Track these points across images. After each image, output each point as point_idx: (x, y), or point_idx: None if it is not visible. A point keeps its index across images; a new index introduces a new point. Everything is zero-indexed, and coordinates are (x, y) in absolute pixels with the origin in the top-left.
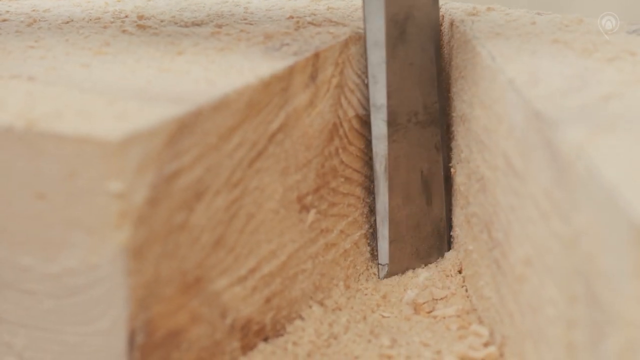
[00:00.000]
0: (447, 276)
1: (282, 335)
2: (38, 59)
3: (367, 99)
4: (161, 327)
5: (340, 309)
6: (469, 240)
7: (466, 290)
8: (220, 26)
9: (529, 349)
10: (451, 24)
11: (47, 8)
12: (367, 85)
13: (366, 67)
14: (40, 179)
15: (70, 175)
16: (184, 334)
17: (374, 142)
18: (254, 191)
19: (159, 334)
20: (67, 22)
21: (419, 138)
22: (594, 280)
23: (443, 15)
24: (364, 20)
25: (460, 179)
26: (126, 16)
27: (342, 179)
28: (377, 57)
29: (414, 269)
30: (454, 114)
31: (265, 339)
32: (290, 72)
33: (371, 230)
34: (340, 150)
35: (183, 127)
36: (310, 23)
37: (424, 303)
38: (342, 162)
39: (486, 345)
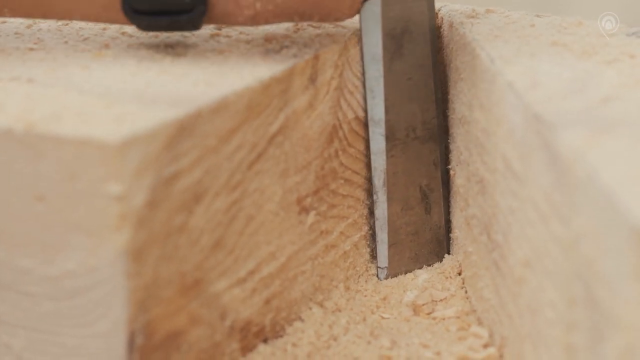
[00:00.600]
0: (447, 278)
1: (281, 336)
2: (37, 61)
3: (367, 101)
4: (161, 329)
5: (339, 311)
6: (468, 242)
7: (466, 292)
8: (219, 28)
9: (528, 351)
10: (450, 26)
11: None
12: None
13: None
14: (40, 181)
15: (69, 177)
16: (184, 336)
17: (372, 157)
18: (253, 193)
19: (158, 336)
20: (67, 24)
21: (417, 154)
22: (594, 283)
23: (442, 18)
24: (361, 34)
25: (459, 181)
26: None
27: (342, 181)
28: (375, 72)
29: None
30: (453, 117)
31: (265, 341)
32: (289, 74)
33: (371, 232)
34: (339, 152)
35: (182, 130)
36: (309, 25)
37: (423, 304)
38: (341, 164)
39: (486, 346)
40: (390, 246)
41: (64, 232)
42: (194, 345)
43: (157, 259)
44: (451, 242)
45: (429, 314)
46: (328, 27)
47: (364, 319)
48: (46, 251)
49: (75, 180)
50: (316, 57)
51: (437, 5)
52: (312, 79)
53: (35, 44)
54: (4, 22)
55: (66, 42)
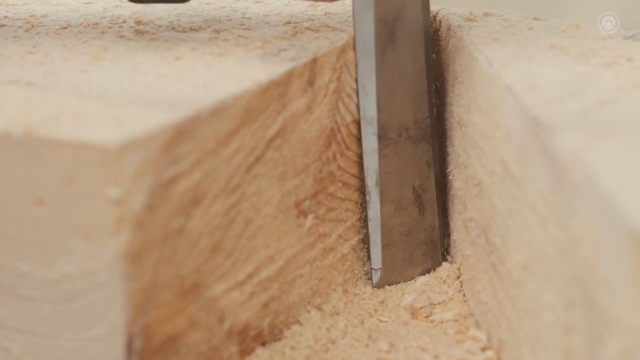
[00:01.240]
0: (445, 281)
1: (279, 340)
2: (36, 64)
3: (359, 99)
4: (159, 332)
5: (338, 314)
6: (466, 245)
7: (464, 295)
8: (218, 31)
9: (527, 354)
10: (448, 29)
11: (45, 13)
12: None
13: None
14: (38, 184)
15: (68, 180)
16: (182, 339)
17: (364, 156)
18: (251, 196)
19: (156, 339)
20: (65, 28)
21: (410, 154)
22: (592, 286)
23: (440, 21)
24: (353, 22)
25: (457, 184)
26: (124, 21)
27: (340, 184)
28: (367, 65)
29: (408, 278)
30: (451, 119)
31: (263, 344)
32: (288, 77)
33: (369, 235)
34: (337, 156)
35: (181, 133)
36: (307, 28)
37: (421, 308)
38: (339, 167)
39: (484, 349)
40: (383, 247)
41: (62, 235)
42: (192, 348)
43: (156, 262)
44: (449, 245)
45: (427, 317)
46: (326, 30)
47: (362, 322)
48: (45, 254)
49: (73, 184)
50: (314, 61)
51: (434, 8)
52: (310, 82)
53: (34, 47)
54: (3, 25)
55: (65, 46)
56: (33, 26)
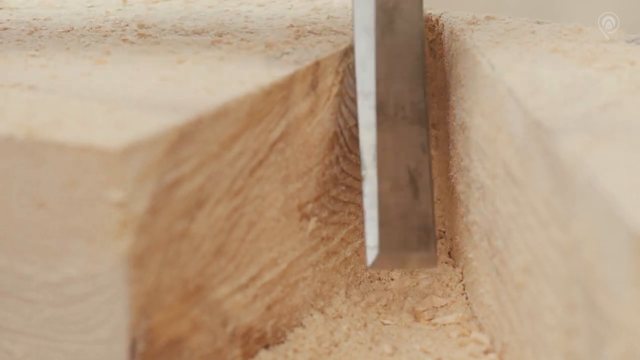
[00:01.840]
0: (447, 284)
1: (283, 342)
2: (39, 67)
3: (357, 75)
4: (162, 335)
5: (341, 317)
6: (469, 249)
7: (466, 298)
8: (220, 35)
9: (529, 357)
10: (451, 33)
11: (48, 17)
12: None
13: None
14: (41, 187)
15: (70, 184)
16: (185, 342)
17: (361, 130)
18: (255, 200)
19: (160, 343)
20: (68, 31)
21: (406, 134)
22: (593, 289)
23: (443, 25)
24: (353, 7)
25: (460, 187)
26: (127, 25)
27: (343, 187)
28: (366, 44)
29: (402, 265)
30: (453, 123)
31: (266, 347)
32: (290, 80)
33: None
34: (340, 159)
35: (184, 136)
36: (310, 32)
37: (424, 311)
38: (342, 170)
39: (487, 352)
40: (380, 225)
41: (65, 238)
42: (195, 351)
43: (159, 265)
44: (451, 248)
45: (429, 320)
46: (329, 33)
47: (365, 325)
48: (47, 258)
49: (76, 187)
50: (317, 64)
51: (437, 12)
52: (313, 86)
53: (36, 50)
54: (6, 29)
55: (67, 49)
56: (36, 29)
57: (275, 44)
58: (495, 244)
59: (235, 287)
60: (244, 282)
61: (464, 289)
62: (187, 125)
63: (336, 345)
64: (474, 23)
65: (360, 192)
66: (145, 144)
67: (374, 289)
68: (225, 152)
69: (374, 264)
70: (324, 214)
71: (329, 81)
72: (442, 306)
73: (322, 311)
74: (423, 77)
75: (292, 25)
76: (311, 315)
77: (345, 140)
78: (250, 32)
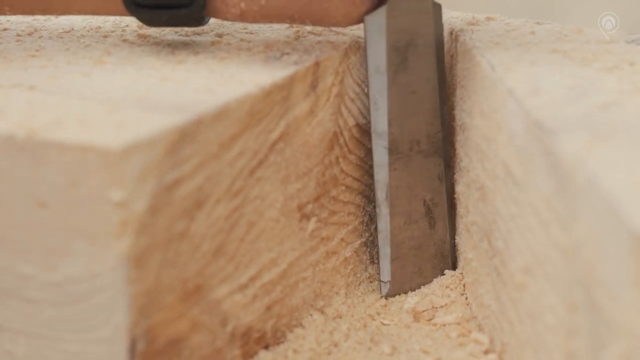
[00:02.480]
0: (447, 285)
1: (282, 342)
2: (39, 68)
3: (367, 108)
4: (162, 335)
5: (340, 317)
6: (468, 249)
7: (466, 298)
8: (220, 35)
9: (529, 357)
10: (451, 33)
11: (48, 17)
12: (367, 95)
13: (366, 76)
14: (42, 187)
15: (71, 183)
16: (185, 342)
17: (375, 169)
18: (254, 200)
19: (159, 342)
20: (68, 31)
21: (421, 168)
22: (594, 289)
23: (443, 25)
24: (365, 46)
25: (459, 187)
26: (127, 25)
27: (343, 188)
28: (379, 84)
29: (416, 289)
30: (453, 123)
31: (266, 347)
32: (290, 81)
33: (371, 239)
34: (340, 159)
35: (184, 136)
36: (310, 32)
37: (424, 311)
38: (342, 170)
39: (486, 352)
40: (392, 260)
41: (66, 238)
42: (195, 351)
43: (159, 265)
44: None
45: (429, 320)
46: (328, 34)
47: (365, 326)
48: (48, 257)
49: (76, 187)
50: (317, 64)
51: None
52: (313, 86)
53: (37, 50)
54: (6, 29)
55: (68, 49)
56: (36, 30)
57: (275, 44)
58: (495, 244)
59: (234, 287)
60: (244, 282)
61: (463, 289)
62: (187, 126)
63: (336, 346)
64: (474, 23)
65: (360, 193)
66: (146, 144)
67: (373, 289)
68: (225, 152)
69: (387, 296)
70: (324, 214)
71: (329, 82)
72: (441, 306)
73: (321, 311)
74: (440, 107)
75: (292, 26)
76: (311, 315)
77: (345, 140)
78: (250, 33)
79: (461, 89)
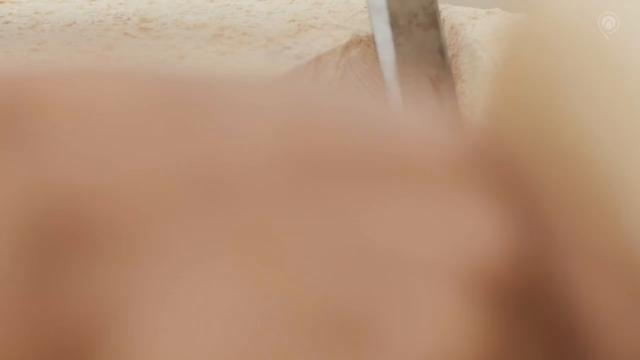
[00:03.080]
0: None
1: None
2: (40, 62)
3: None
4: None
5: None
6: None
7: None
8: (222, 29)
9: None
10: (452, 27)
11: (50, 10)
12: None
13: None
14: None
15: None
16: None
17: (378, 49)
18: None
19: None
20: (70, 25)
21: (422, 41)
22: None
23: (444, 19)
24: None
25: None
26: (128, 19)
27: None
28: None
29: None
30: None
31: None
32: (292, 75)
33: None
34: None
35: None
36: (311, 26)
37: None
38: None
39: None
40: None
41: None
42: None
43: None
44: None
45: None
46: (330, 28)
47: None
48: None
49: None
50: (318, 59)
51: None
52: (314, 81)
53: (38, 44)
54: (8, 22)
55: (69, 44)
56: (38, 23)
57: (276, 38)
58: None
59: None
60: None
61: None
62: None
63: None
64: (475, 18)
65: None
66: None
67: None
68: None
69: None
70: None
71: (330, 76)
72: None
73: None
74: None
75: (293, 20)
76: None
77: None
78: (252, 27)
79: (462, 83)
